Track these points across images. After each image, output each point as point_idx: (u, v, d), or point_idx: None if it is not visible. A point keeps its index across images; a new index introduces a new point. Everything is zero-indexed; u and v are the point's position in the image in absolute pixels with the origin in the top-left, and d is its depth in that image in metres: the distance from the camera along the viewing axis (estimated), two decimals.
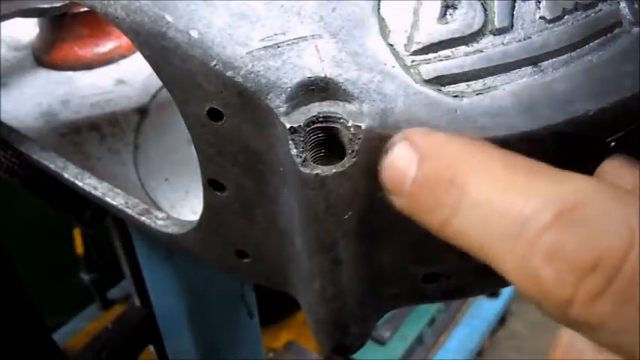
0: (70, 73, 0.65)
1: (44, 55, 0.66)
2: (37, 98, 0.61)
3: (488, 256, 0.21)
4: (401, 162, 0.23)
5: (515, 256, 0.19)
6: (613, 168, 0.25)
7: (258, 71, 0.27)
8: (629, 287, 0.18)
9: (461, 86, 0.27)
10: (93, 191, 0.46)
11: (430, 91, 0.26)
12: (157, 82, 0.61)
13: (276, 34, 0.27)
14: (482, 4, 0.28)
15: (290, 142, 0.26)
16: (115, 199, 0.45)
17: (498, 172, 0.21)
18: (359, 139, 0.25)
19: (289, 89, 0.26)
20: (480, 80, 0.27)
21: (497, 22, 0.27)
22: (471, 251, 0.21)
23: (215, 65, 0.27)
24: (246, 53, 0.27)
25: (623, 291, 0.18)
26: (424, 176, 0.22)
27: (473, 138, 0.23)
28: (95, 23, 0.65)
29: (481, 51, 0.27)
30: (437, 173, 0.22)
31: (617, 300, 0.18)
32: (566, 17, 0.28)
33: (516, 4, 0.28)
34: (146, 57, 0.30)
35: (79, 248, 1.50)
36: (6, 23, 0.59)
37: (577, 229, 0.18)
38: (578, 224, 0.18)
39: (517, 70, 0.27)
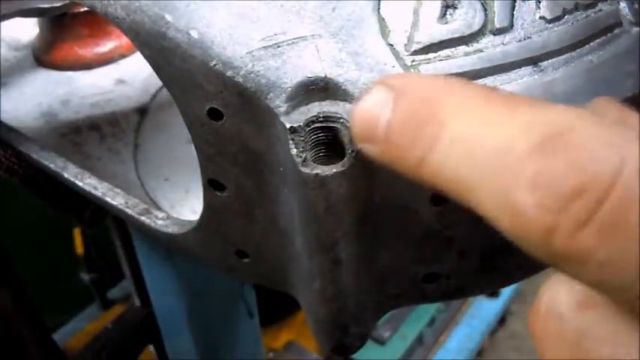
0: (70, 73, 0.65)
1: (44, 55, 0.66)
2: (37, 98, 0.61)
3: (468, 193, 0.19)
4: (375, 105, 0.21)
5: (495, 188, 0.18)
6: (598, 105, 0.23)
7: (258, 71, 0.27)
8: (616, 215, 0.16)
9: None
10: (93, 191, 0.46)
11: None
12: (157, 82, 0.61)
13: (276, 34, 0.27)
14: (482, 3, 0.28)
15: (290, 142, 0.26)
16: (115, 198, 0.45)
17: (479, 105, 0.20)
18: None
19: (289, 89, 0.26)
20: (480, 80, 0.27)
21: (498, 22, 0.27)
22: (449, 191, 0.20)
23: (215, 65, 0.27)
24: (246, 53, 0.27)
25: (611, 219, 0.16)
26: (400, 114, 0.21)
27: (451, 76, 0.22)
28: (95, 23, 0.65)
29: (481, 51, 0.27)
30: (413, 110, 0.20)
31: (603, 229, 0.16)
32: (566, 17, 0.28)
33: (516, 3, 0.28)
34: (146, 57, 0.30)
35: (79, 248, 1.50)
36: (6, 23, 0.59)
37: (562, 155, 0.17)
38: (563, 150, 0.17)
39: (517, 70, 0.27)
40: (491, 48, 0.27)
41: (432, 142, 0.20)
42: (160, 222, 0.42)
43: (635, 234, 0.16)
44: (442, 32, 0.27)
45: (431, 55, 0.27)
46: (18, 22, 0.63)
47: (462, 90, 0.20)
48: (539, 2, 0.28)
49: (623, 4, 0.29)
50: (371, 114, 0.21)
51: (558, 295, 0.20)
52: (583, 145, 0.17)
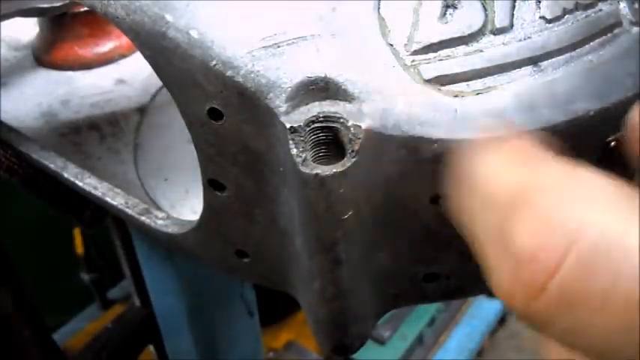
0: (70, 73, 0.65)
1: (44, 55, 0.66)
2: (37, 98, 0.61)
3: (476, 242, 0.20)
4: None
5: (481, 233, 0.19)
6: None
7: (258, 71, 0.27)
8: (567, 290, 0.16)
9: (461, 86, 0.27)
10: (93, 191, 0.46)
11: (430, 91, 0.26)
12: (157, 82, 0.61)
13: (276, 34, 0.27)
14: (482, 3, 0.28)
15: (290, 141, 0.26)
16: (115, 198, 0.45)
17: (492, 154, 0.21)
18: (359, 138, 0.25)
19: (289, 89, 0.26)
20: (480, 80, 0.27)
21: (498, 22, 0.27)
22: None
23: (215, 65, 0.27)
24: (246, 53, 0.27)
25: (561, 293, 0.16)
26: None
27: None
28: (95, 23, 0.65)
29: (481, 51, 0.27)
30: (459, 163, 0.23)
31: (556, 303, 0.16)
32: (566, 17, 0.28)
33: (516, 3, 0.28)
34: (146, 57, 0.30)
35: (79, 248, 1.50)
36: (6, 23, 0.59)
37: (527, 214, 0.17)
38: (530, 209, 0.17)
39: (517, 69, 0.27)
40: (491, 48, 0.27)
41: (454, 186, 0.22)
42: (159, 222, 0.42)
43: (595, 305, 0.15)
44: (442, 32, 0.27)
45: (431, 55, 0.27)
46: (18, 22, 0.63)
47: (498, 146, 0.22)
48: (539, 2, 0.28)
49: (623, 4, 0.29)
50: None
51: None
52: (548, 208, 0.17)
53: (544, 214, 0.17)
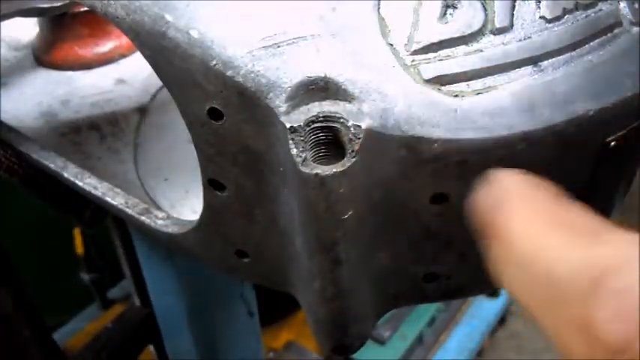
0: (70, 73, 0.65)
1: (44, 55, 0.66)
2: (37, 98, 0.61)
3: (534, 316, 0.20)
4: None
5: (553, 323, 0.18)
6: None
7: (258, 71, 0.27)
8: None
9: (461, 86, 0.27)
10: (93, 191, 0.46)
11: (430, 91, 0.26)
12: (156, 82, 0.61)
13: (276, 34, 0.27)
14: (482, 3, 0.28)
15: (290, 141, 0.26)
16: (115, 198, 0.45)
17: (542, 226, 0.20)
18: (359, 138, 0.25)
19: (289, 89, 0.26)
20: (480, 80, 0.27)
21: (498, 22, 0.27)
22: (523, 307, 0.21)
23: (215, 65, 0.27)
24: (246, 53, 0.27)
25: None
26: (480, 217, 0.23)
27: (537, 182, 0.23)
28: (95, 23, 0.65)
29: (481, 51, 0.27)
30: (485, 220, 0.23)
31: None
32: (566, 17, 0.28)
33: (516, 3, 0.28)
34: (146, 57, 0.30)
35: (79, 248, 1.50)
36: (6, 23, 0.59)
37: (607, 301, 0.17)
38: (609, 295, 0.17)
39: (517, 69, 0.27)
40: (491, 48, 0.27)
41: (502, 261, 0.21)
42: (159, 222, 0.42)
43: None
44: (442, 32, 0.27)
45: (431, 55, 0.27)
46: (18, 22, 0.63)
47: (534, 203, 0.22)
48: (539, 2, 0.28)
49: (623, 4, 0.29)
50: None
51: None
52: (627, 291, 0.16)
53: (626, 299, 0.17)
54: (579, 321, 0.17)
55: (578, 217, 0.20)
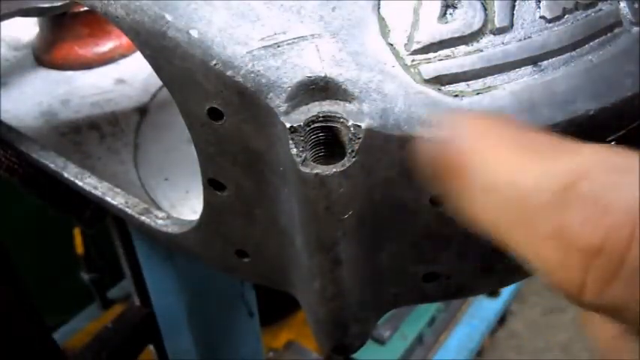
0: (70, 73, 0.65)
1: (44, 55, 0.66)
2: (37, 98, 0.61)
3: (505, 241, 0.20)
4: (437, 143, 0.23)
5: (525, 241, 0.18)
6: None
7: (258, 71, 0.27)
8: None
9: (461, 86, 0.27)
10: (93, 191, 0.46)
11: (430, 91, 0.26)
12: (156, 82, 0.61)
13: (276, 34, 0.27)
14: (482, 3, 0.28)
15: (290, 141, 0.26)
16: (115, 198, 0.45)
17: (504, 152, 0.20)
18: (359, 138, 0.25)
19: (289, 89, 0.26)
20: (480, 80, 0.27)
21: (498, 22, 0.27)
22: (492, 236, 0.21)
23: (215, 65, 0.27)
24: (246, 53, 0.27)
25: (636, 272, 0.16)
26: (441, 159, 0.22)
27: (487, 115, 0.23)
28: (95, 23, 0.65)
29: (481, 50, 0.27)
30: (449, 154, 0.22)
31: (631, 284, 0.16)
32: (566, 17, 0.28)
33: (516, 3, 0.28)
34: (146, 56, 0.30)
35: (79, 248, 1.50)
36: (6, 23, 0.59)
37: (578, 207, 0.17)
38: (578, 201, 0.17)
39: (517, 69, 0.27)
40: (491, 48, 0.27)
41: (466, 189, 0.21)
42: (160, 222, 0.42)
43: None
44: (442, 32, 0.27)
45: (431, 55, 0.27)
46: (18, 22, 0.63)
47: (493, 133, 0.21)
48: (539, 2, 0.28)
49: (623, 4, 0.29)
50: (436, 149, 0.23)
51: None
52: (596, 195, 0.17)
53: (597, 202, 0.17)
54: (552, 230, 0.17)
55: (538, 137, 0.20)
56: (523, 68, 0.27)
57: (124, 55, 0.67)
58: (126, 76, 0.64)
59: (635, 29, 0.29)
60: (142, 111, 0.59)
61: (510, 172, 0.19)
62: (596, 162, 0.18)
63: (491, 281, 0.34)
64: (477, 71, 0.27)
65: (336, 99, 0.27)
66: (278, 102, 0.27)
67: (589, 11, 0.28)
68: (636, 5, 0.29)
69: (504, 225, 0.19)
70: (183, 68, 0.28)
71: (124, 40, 0.66)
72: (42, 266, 1.32)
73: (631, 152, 0.18)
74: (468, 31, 0.27)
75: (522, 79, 0.27)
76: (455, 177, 0.21)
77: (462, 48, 0.27)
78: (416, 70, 0.27)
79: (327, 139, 0.26)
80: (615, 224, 0.16)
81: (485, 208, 0.20)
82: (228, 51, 0.27)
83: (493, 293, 1.84)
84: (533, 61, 0.27)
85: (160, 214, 0.43)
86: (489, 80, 0.27)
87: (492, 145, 0.21)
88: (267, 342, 1.51)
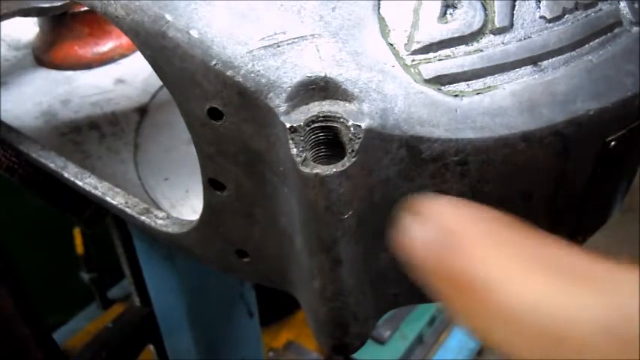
0: (70, 73, 0.65)
1: (44, 55, 0.66)
2: (37, 97, 0.62)
3: None
4: (423, 245, 0.20)
5: None
6: None
7: (258, 71, 0.27)
8: None
9: (461, 86, 0.27)
10: (93, 190, 0.46)
11: (430, 91, 0.26)
12: (156, 82, 0.61)
13: (276, 34, 0.27)
14: (482, 3, 0.28)
15: (290, 141, 0.26)
16: (115, 198, 0.45)
17: (523, 270, 0.17)
18: (359, 138, 0.25)
19: (289, 89, 0.26)
20: (480, 80, 0.27)
21: (498, 22, 0.27)
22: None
23: (215, 65, 0.27)
24: (246, 53, 0.27)
25: None
26: (447, 270, 0.19)
27: (493, 217, 0.19)
28: (95, 22, 0.65)
29: (481, 50, 0.27)
30: (459, 269, 0.18)
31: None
32: (566, 17, 0.28)
33: (516, 3, 0.28)
34: (146, 56, 0.30)
35: (79, 248, 1.50)
36: (6, 23, 0.59)
37: (622, 351, 0.15)
38: (630, 347, 0.15)
39: (517, 69, 0.27)
40: (491, 47, 0.27)
41: (480, 315, 0.18)
42: (160, 221, 0.42)
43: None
44: (442, 32, 0.27)
45: (431, 55, 0.27)
46: (18, 22, 0.63)
47: (507, 245, 0.18)
48: (539, 2, 0.28)
49: (623, 4, 0.29)
50: (420, 254, 0.20)
51: None
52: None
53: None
54: None
55: (560, 254, 0.18)
56: (523, 68, 0.27)
57: (124, 55, 0.67)
58: (126, 76, 0.64)
59: (635, 29, 0.29)
60: (142, 111, 0.59)
61: (541, 302, 0.17)
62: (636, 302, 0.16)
63: None
64: (477, 71, 0.27)
65: (336, 99, 0.27)
66: (278, 102, 0.27)
67: (589, 11, 0.28)
68: (636, 5, 0.29)
69: (537, 355, 0.17)
70: (183, 68, 0.28)
71: (124, 40, 0.66)
72: (42, 266, 1.32)
73: None
74: (468, 31, 0.27)
75: (522, 79, 0.27)
76: (462, 293, 0.18)
77: (462, 48, 0.27)
78: (416, 70, 0.27)
79: (327, 139, 0.26)
80: None
81: (509, 337, 0.17)
82: (228, 51, 0.27)
83: None
84: (533, 61, 0.27)
85: (160, 214, 0.43)
86: (489, 80, 0.27)
87: (501, 256, 0.18)
88: (267, 342, 1.51)
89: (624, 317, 0.16)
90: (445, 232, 0.19)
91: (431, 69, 0.27)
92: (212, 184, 0.33)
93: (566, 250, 0.18)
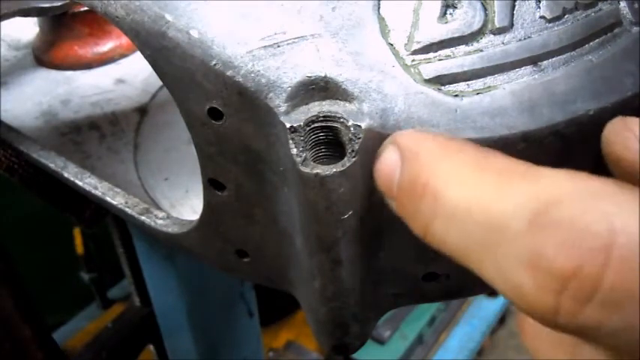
0: (70, 73, 0.65)
1: (44, 55, 0.66)
2: (37, 97, 0.62)
3: (472, 265, 0.20)
4: (388, 165, 0.23)
5: (495, 266, 0.18)
6: (616, 134, 0.23)
7: (258, 71, 0.27)
8: (615, 292, 0.16)
9: (461, 86, 0.27)
10: (93, 190, 0.46)
11: (430, 91, 0.26)
12: (156, 82, 0.61)
13: (276, 34, 0.27)
14: (482, 3, 0.28)
15: (290, 141, 0.26)
16: (115, 198, 0.45)
17: (472, 175, 0.20)
18: (359, 138, 0.25)
19: (289, 89, 0.26)
20: (480, 80, 0.27)
21: (498, 22, 0.27)
22: (456, 260, 0.21)
23: (215, 65, 0.27)
24: (246, 53, 0.27)
25: (610, 296, 0.16)
26: (403, 180, 0.22)
27: (453, 137, 0.23)
28: (95, 22, 0.65)
29: (481, 50, 0.27)
30: (412, 177, 0.22)
31: (606, 304, 0.16)
32: (566, 17, 0.28)
33: (516, 3, 0.28)
34: (146, 56, 0.30)
35: (79, 248, 1.50)
36: (6, 23, 0.59)
37: (553, 232, 0.17)
38: (553, 226, 0.17)
39: (517, 69, 0.27)
40: (491, 47, 0.27)
41: (431, 213, 0.21)
42: (160, 221, 0.42)
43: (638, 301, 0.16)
44: (442, 32, 0.27)
45: (431, 55, 0.27)
46: (18, 22, 0.63)
47: (456, 155, 0.21)
48: (539, 2, 0.28)
49: (623, 4, 0.29)
50: (385, 173, 0.23)
51: None
52: (572, 220, 0.17)
53: (572, 227, 0.17)
54: (525, 256, 0.17)
55: (504, 161, 0.20)
56: (523, 68, 0.27)
57: (124, 55, 0.67)
58: (126, 76, 0.64)
59: (635, 29, 0.29)
60: (142, 111, 0.59)
61: (479, 196, 0.19)
62: (571, 187, 0.18)
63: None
64: (476, 71, 0.27)
65: (336, 99, 0.27)
66: (278, 102, 0.27)
67: (589, 11, 0.28)
68: (636, 5, 0.29)
69: (471, 250, 0.19)
70: (183, 68, 0.28)
71: (124, 40, 0.66)
72: (42, 266, 1.32)
73: (606, 179, 0.18)
74: (468, 31, 0.27)
75: (522, 79, 0.27)
76: (413, 197, 0.21)
77: (462, 48, 0.27)
78: (416, 70, 0.27)
79: (327, 139, 0.26)
80: (590, 249, 0.16)
81: (450, 232, 0.20)
82: (228, 51, 0.27)
83: (493, 293, 1.83)
84: (533, 61, 0.27)
85: (160, 214, 0.43)
86: (489, 80, 0.27)
87: (456, 166, 0.21)
88: (267, 342, 1.51)
89: (543, 203, 0.18)
90: (404, 150, 0.23)
91: (431, 69, 0.27)
92: (212, 184, 0.33)
93: (504, 158, 0.20)
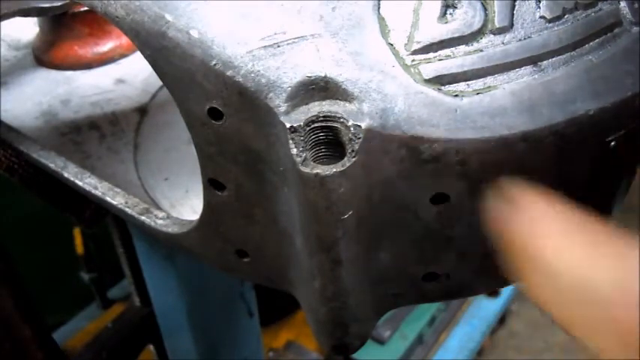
0: (69, 73, 0.65)
1: (44, 55, 0.66)
2: (37, 97, 0.62)
3: (561, 320, 0.22)
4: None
5: (584, 325, 0.21)
6: None
7: (258, 71, 0.27)
8: None
9: (461, 85, 0.27)
10: (93, 190, 0.46)
11: (430, 91, 0.26)
12: (156, 82, 0.61)
13: (276, 34, 0.27)
14: (482, 3, 0.28)
15: (290, 141, 0.26)
16: (115, 198, 0.45)
17: (571, 242, 0.22)
18: (359, 138, 0.25)
19: (289, 89, 0.26)
20: (480, 80, 0.27)
21: (498, 22, 0.27)
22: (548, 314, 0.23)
23: (215, 65, 0.27)
24: (246, 53, 0.27)
25: None
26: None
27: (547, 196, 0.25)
28: (95, 22, 0.65)
29: (481, 50, 0.27)
30: (520, 234, 0.24)
31: None
32: (566, 17, 0.28)
33: (516, 3, 0.28)
34: (146, 56, 0.30)
35: (79, 248, 1.50)
36: (6, 23, 0.59)
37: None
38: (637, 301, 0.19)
39: (517, 69, 0.27)
40: (491, 47, 0.27)
41: (529, 271, 0.24)
42: (160, 221, 0.42)
43: None
44: (442, 32, 0.27)
45: (431, 55, 0.27)
46: (18, 22, 0.63)
47: (562, 219, 0.24)
48: (539, 2, 0.28)
49: (623, 4, 0.29)
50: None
51: None
52: None
53: None
54: (612, 323, 0.20)
55: (598, 227, 0.23)
56: (523, 68, 0.27)
57: (124, 55, 0.67)
58: (126, 76, 0.64)
59: (635, 29, 0.29)
60: (142, 111, 0.59)
61: (576, 265, 0.22)
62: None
63: (491, 281, 0.34)
64: (476, 71, 0.27)
65: (336, 99, 0.27)
66: (278, 102, 0.27)
67: (589, 11, 0.28)
68: (636, 5, 0.29)
69: (566, 308, 0.22)
70: (183, 68, 0.28)
71: (124, 40, 0.66)
72: (42, 266, 1.32)
73: None
74: (468, 31, 0.27)
75: (522, 79, 0.27)
76: (523, 257, 0.24)
77: (462, 48, 0.27)
78: (416, 70, 0.27)
79: (327, 139, 0.26)
80: None
81: (548, 289, 0.23)
82: (228, 51, 0.27)
83: (493, 293, 1.84)
84: (533, 61, 0.27)
85: (160, 214, 0.43)
86: (489, 80, 0.27)
87: (562, 233, 0.23)
88: (267, 341, 1.51)
89: (633, 276, 0.20)
90: (531, 221, 0.25)
91: (431, 69, 0.27)
92: (212, 184, 0.33)
93: (600, 226, 0.23)
